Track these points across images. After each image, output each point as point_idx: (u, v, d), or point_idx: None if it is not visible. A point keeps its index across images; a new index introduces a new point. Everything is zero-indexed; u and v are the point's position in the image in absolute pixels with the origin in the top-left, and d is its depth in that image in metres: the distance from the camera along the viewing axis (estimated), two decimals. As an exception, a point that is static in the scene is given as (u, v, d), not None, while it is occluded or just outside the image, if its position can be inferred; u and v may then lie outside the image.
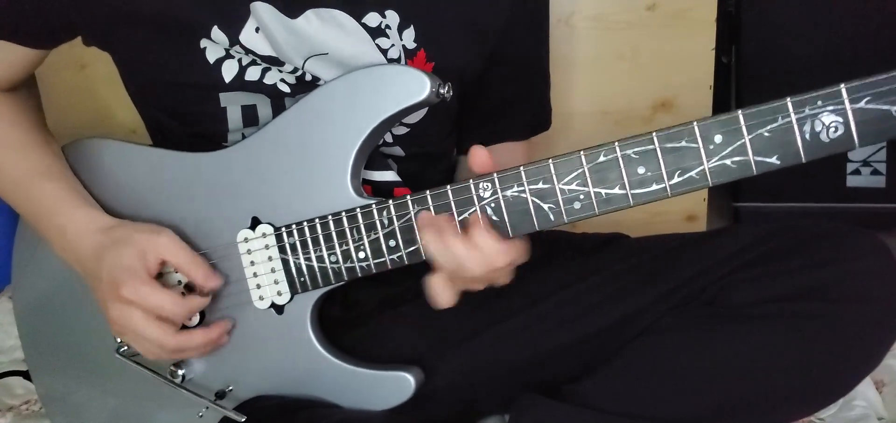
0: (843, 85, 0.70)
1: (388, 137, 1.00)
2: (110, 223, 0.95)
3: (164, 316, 0.89)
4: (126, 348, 0.98)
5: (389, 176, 1.01)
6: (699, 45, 1.43)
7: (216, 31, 0.90)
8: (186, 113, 0.98)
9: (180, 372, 0.97)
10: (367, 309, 1.05)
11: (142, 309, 0.88)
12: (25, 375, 1.26)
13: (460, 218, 0.83)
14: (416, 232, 0.85)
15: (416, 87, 0.87)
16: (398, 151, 1.02)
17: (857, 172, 1.65)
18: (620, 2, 1.41)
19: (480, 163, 0.82)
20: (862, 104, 0.69)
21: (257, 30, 0.91)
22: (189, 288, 0.94)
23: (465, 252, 0.81)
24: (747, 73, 1.64)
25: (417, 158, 1.02)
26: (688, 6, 1.41)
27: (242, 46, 0.91)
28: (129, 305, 0.88)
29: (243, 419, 0.92)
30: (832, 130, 0.71)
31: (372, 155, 0.94)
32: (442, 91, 0.88)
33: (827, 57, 1.55)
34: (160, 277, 0.93)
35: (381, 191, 1.00)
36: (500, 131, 1.12)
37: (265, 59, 0.93)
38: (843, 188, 1.66)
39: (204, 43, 0.92)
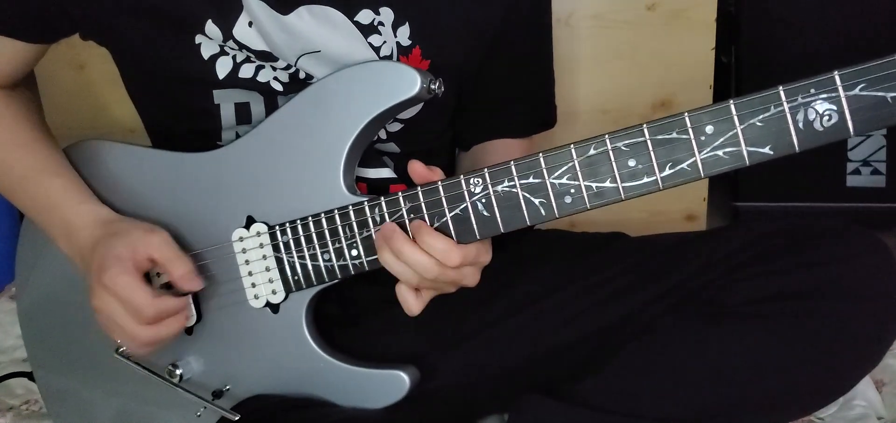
0: (836, 72, 0.69)
1: (383, 134, 1.00)
2: (111, 218, 0.97)
3: (132, 311, 0.88)
4: (125, 347, 0.98)
5: (385, 173, 1.01)
6: (699, 45, 1.42)
7: (210, 25, 0.91)
8: (181, 109, 0.98)
9: (178, 371, 0.97)
10: (365, 308, 1.05)
11: (117, 298, 0.88)
12: (27, 375, 1.27)
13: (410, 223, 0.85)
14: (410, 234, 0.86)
15: (406, 83, 0.87)
16: (393, 147, 1.02)
17: (857, 171, 1.64)
18: (620, 1, 1.41)
19: (419, 176, 0.85)
20: (856, 91, 0.69)
21: (250, 24, 0.91)
22: (169, 288, 0.93)
23: (417, 256, 0.83)
24: (747, 73, 1.63)
25: (413, 154, 1.02)
26: (688, 6, 1.40)
27: (236, 41, 0.91)
28: (106, 291, 0.88)
29: (237, 418, 0.92)
30: (826, 118, 0.70)
31: (367, 152, 0.94)
32: (433, 87, 0.88)
33: (827, 56, 1.54)
34: (150, 278, 0.93)
35: (376, 189, 1.00)
36: (500, 128, 1.12)
37: (259, 54, 0.93)
38: (843, 188, 1.65)
39: (199, 39, 0.92)
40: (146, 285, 0.89)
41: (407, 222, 0.85)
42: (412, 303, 0.87)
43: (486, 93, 1.09)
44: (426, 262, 0.83)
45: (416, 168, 0.84)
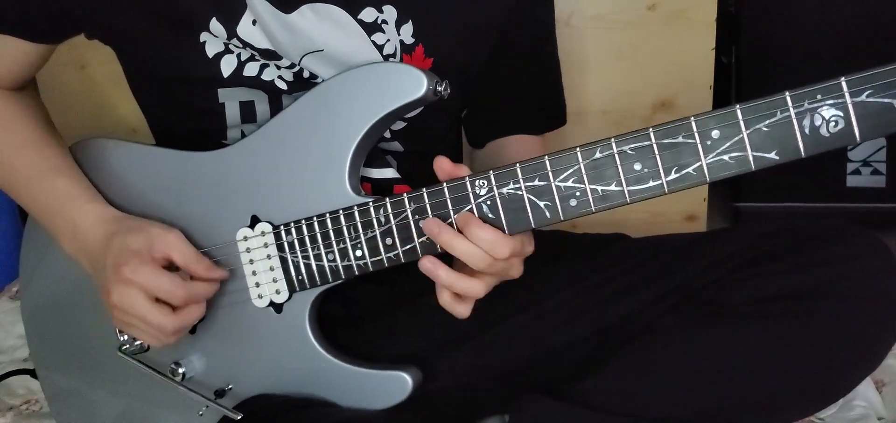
0: (843, 78, 0.69)
1: (387, 133, 1.00)
2: (120, 216, 0.97)
3: (163, 297, 0.89)
4: (127, 345, 0.98)
5: (389, 173, 1.01)
6: (699, 45, 1.43)
7: (215, 23, 0.91)
8: (186, 108, 0.98)
9: (181, 370, 0.97)
10: (368, 309, 1.05)
11: (142, 290, 0.88)
12: (29, 373, 1.27)
13: (455, 215, 0.84)
14: (414, 235, 0.86)
15: (412, 84, 0.87)
16: (397, 146, 1.02)
17: (857, 172, 1.65)
18: (620, 2, 1.41)
19: (445, 173, 0.84)
20: (863, 97, 0.69)
21: (254, 23, 0.91)
22: None
23: (468, 249, 0.83)
24: (747, 73, 1.64)
25: (417, 154, 1.02)
26: (688, 6, 1.41)
27: (240, 39, 0.91)
28: (129, 285, 0.88)
29: (239, 417, 0.92)
30: (832, 124, 0.70)
31: (371, 152, 0.94)
32: (440, 89, 0.88)
33: (828, 56, 1.55)
34: None
35: (380, 189, 1.00)
36: (510, 126, 1.12)
37: (263, 53, 0.93)
38: (843, 188, 1.66)
39: (204, 36, 0.92)
40: (168, 272, 0.89)
41: (412, 224, 0.85)
42: (459, 309, 0.88)
43: (493, 92, 1.09)
44: (476, 253, 0.83)
45: (443, 165, 0.84)
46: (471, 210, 0.84)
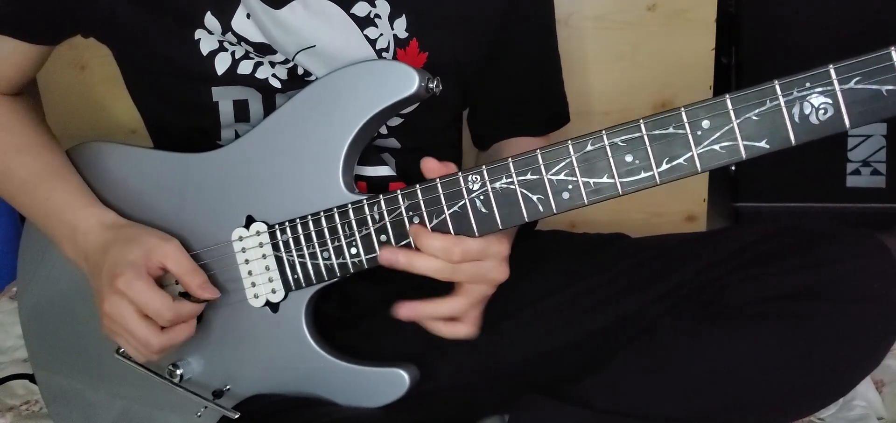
0: (831, 66, 0.69)
1: (383, 129, 1.00)
2: (120, 222, 0.97)
3: (151, 315, 0.89)
4: (133, 354, 0.98)
5: (384, 171, 1.01)
6: (699, 45, 1.43)
7: (209, 18, 0.91)
8: (180, 106, 0.99)
9: (178, 371, 0.97)
10: (365, 307, 1.05)
11: (132, 303, 0.88)
12: (28, 377, 1.27)
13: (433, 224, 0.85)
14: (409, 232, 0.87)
15: (403, 82, 0.87)
16: (394, 143, 1.02)
17: (857, 172, 1.65)
18: (620, 2, 1.42)
19: (433, 173, 0.84)
20: (851, 84, 0.69)
21: (249, 16, 0.92)
22: (185, 297, 0.93)
23: (423, 263, 0.84)
24: (747, 73, 1.64)
25: (414, 151, 1.02)
26: (688, 6, 1.41)
27: (235, 34, 0.92)
28: (121, 297, 0.88)
29: (237, 417, 0.92)
30: (821, 111, 0.70)
31: (366, 150, 0.94)
32: (431, 86, 0.88)
33: (827, 57, 1.54)
34: (160, 284, 0.93)
35: (375, 187, 1.00)
36: (516, 125, 1.12)
37: (257, 47, 0.93)
38: (843, 188, 1.66)
39: (198, 33, 0.92)
40: (160, 290, 0.90)
41: (406, 221, 0.85)
42: (462, 330, 0.90)
43: (495, 92, 1.09)
44: (433, 263, 0.84)
45: (430, 165, 0.84)
46: (422, 216, 0.85)
